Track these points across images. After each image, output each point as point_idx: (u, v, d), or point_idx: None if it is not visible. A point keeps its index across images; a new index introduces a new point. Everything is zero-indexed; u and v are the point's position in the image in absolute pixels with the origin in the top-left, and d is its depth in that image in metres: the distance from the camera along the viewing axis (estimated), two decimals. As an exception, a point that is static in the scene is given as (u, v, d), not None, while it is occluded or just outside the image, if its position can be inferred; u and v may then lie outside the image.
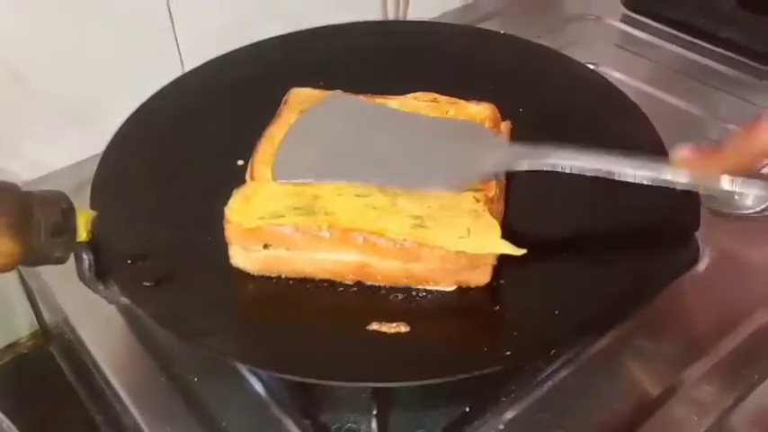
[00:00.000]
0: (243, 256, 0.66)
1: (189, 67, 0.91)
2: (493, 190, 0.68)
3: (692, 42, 1.07)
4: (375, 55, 0.90)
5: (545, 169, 0.63)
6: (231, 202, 0.66)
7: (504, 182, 0.72)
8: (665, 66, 1.06)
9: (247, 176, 0.70)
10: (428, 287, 0.66)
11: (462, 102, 0.78)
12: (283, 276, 0.67)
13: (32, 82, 0.85)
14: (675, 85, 1.01)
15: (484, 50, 0.92)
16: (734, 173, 0.56)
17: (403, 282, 0.65)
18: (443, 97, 0.79)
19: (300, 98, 0.78)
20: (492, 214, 0.66)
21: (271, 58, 0.90)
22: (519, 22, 1.14)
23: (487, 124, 0.74)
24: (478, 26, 1.08)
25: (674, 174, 0.58)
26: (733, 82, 1.01)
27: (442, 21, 1.12)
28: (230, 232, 0.66)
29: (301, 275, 0.67)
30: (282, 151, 0.72)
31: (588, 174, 0.62)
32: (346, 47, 0.92)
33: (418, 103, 0.78)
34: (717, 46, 1.05)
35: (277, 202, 0.66)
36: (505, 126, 0.77)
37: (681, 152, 0.57)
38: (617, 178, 0.61)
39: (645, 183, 0.60)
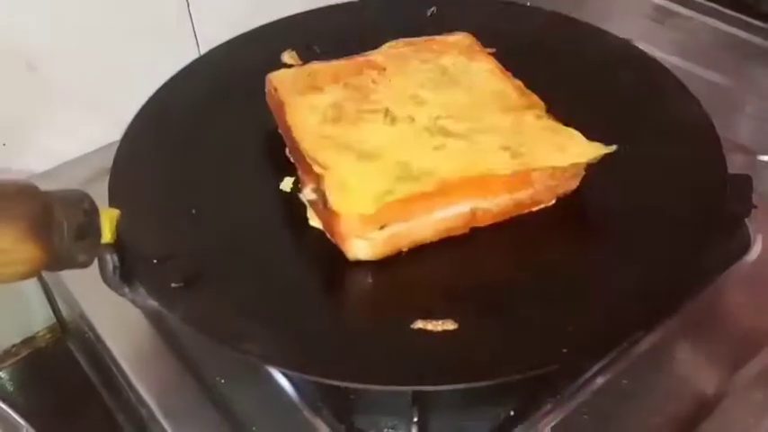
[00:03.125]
0: (363, 246, 0.64)
1: (205, 50, 0.89)
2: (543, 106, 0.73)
3: (730, 15, 1.02)
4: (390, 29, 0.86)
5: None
6: (329, 197, 0.63)
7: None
8: (702, 40, 1.02)
9: (317, 170, 0.66)
10: (532, 209, 0.69)
11: (439, 37, 0.82)
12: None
13: (45, 71, 0.83)
14: (712, 60, 0.97)
15: (515, 25, 0.88)
16: None
17: (510, 213, 0.68)
18: (418, 39, 0.82)
19: (286, 80, 0.76)
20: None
21: (289, 37, 0.87)
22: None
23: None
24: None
25: None
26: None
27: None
28: (347, 226, 0.63)
29: (419, 244, 0.66)
30: None
31: None
32: (362, 20, 0.90)
33: (399, 50, 0.81)
34: (755, 18, 1.01)
35: (376, 180, 0.65)
36: (489, 54, 0.80)
37: None
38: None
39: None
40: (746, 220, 0.73)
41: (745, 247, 0.73)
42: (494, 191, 0.66)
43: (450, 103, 0.73)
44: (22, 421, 0.65)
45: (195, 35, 0.92)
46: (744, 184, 0.68)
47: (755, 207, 0.69)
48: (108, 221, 0.55)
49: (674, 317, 0.67)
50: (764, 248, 0.73)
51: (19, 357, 0.90)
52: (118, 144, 0.73)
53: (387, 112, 0.72)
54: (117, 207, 0.58)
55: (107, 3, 0.84)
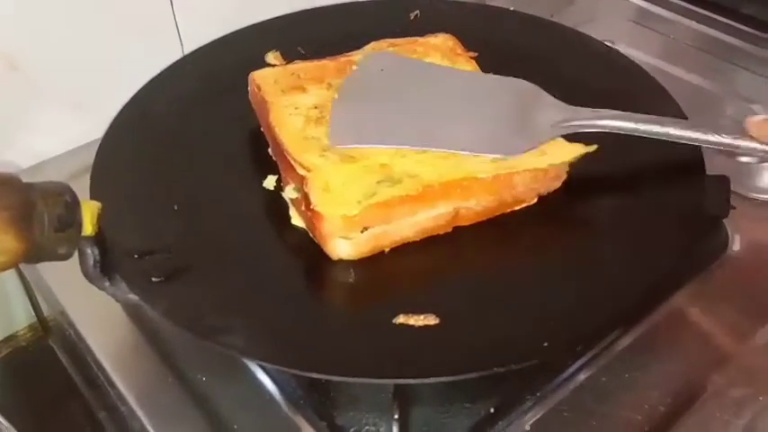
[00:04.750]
0: (345, 246, 0.64)
1: (189, 49, 0.88)
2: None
3: (711, 18, 1.03)
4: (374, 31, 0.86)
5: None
6: (312, 198, 0.63)
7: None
8: (683, 42, 1.03)
9: (301, 171, 0.66)
10: (515, 209, 0.70)
11: (421, 39, 0.82)
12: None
13: (28, 68, 0.82)
14: (693, 62, 0.98)
15: (497, 29, 0.89)
16: None
17: (493, 212, 0.69)
18: (400, 40, 0.82)
19: (269, 80, 0.76)
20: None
21: (270, 39, 0.87)
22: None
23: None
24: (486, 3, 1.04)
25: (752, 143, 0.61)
26: (753, 58, 0.98)
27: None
28: (330, 227, 0.63)
29: (402, 243, 0.67)
30: (336, 116, 0.71)
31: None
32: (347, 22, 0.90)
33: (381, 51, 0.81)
34: (737, 21, 1.02)
35: (358, 182, 0.65)
36: (471, 57, 0.80)
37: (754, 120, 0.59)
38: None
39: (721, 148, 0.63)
40: (725, 220, 0.73)
41: (724, 246, 0.73)
42: (476, 194, 0.67)
43: None
44: (3, 421, 0.65)
45: (179, 34, 0.91)
46: (722, 185, 0.69)
47: (734, 208, 0.70)
48: (89, 214, 0.54)
49: (653, 315, 0.68)
50: (743, 248, 0.73)
51: (0, 356, 0.89)
52: (101, 140, 0.73)
53: None
54: (98, 201, 0.58)
55: (90, 1, 0.83)
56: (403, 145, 0.68)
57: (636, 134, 0.66)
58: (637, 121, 0.66)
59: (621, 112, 0.67)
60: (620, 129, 0.66)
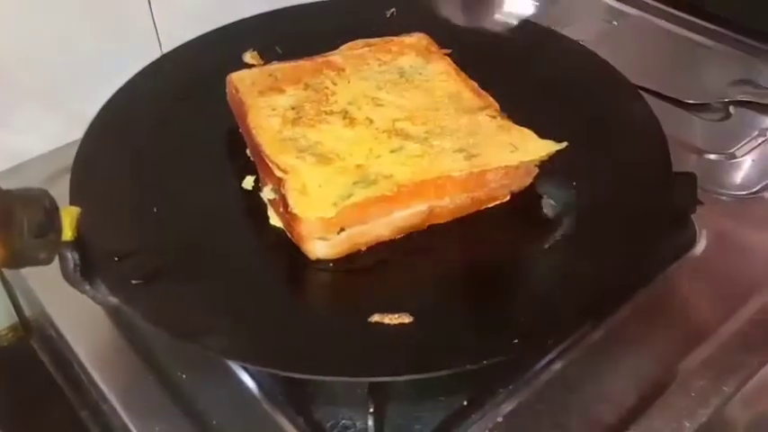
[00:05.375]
0: (323, 246, 0.65)
1: (167, 48, 0.89)
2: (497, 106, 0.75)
3: (680, 17, 1.05)
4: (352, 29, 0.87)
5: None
6: (290, 201, 0.64)
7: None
8: (652, 41, 1.04)
9: (278, 173, 0.67)
10: (488, 206, 0.71)
11: (396, 38, 0.84)
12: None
13: (3, 67, 0.82)
14: (663, 61, 1.00)
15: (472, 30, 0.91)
16: None
17: (467, 209, 0.70)
18: (374, 40, 0.83)
19: (247, 81, 0.77)
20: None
21: (251, 37, 0.88)
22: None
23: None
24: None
25: None
26: (722, 57, 1.00)
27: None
28: (307, 228, 0.64)
29: (378, 242, 0.68)
30: None
31: None
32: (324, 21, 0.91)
33: (358, 51, 0.82)
34: (706, 21, 1.04)
35: (334, 183, 0.66)
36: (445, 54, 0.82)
37: None
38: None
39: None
40: (692, 216, 0.75)
41: (691, 241, 0.75)
42: (450, 192, 0.68)
43: (407, 105, 0.75)
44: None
45: (157, 34, 0.91)
46: (689, 181, 0.70)
47: (701, 203, 0.71)
48: (69, 219, 0.55)
49: (622, 308, 0.69)
50: (709, 243, 0.75)
51: (-20, 357, 0.89)
52: (79, 142, 0.74)
53: (345, 114, 0.73)
54: (78, 205, 0.58)
55: (68, 1, 0.83)
56: None
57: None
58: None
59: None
60: None
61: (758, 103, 0.92)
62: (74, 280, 0.58)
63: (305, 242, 0.65)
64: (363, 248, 0.68)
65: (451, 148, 0.70)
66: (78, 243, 0.57)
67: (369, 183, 0.66)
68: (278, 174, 0.67)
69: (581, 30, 0.99)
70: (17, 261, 0.52)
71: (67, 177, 0.70)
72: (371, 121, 0.73)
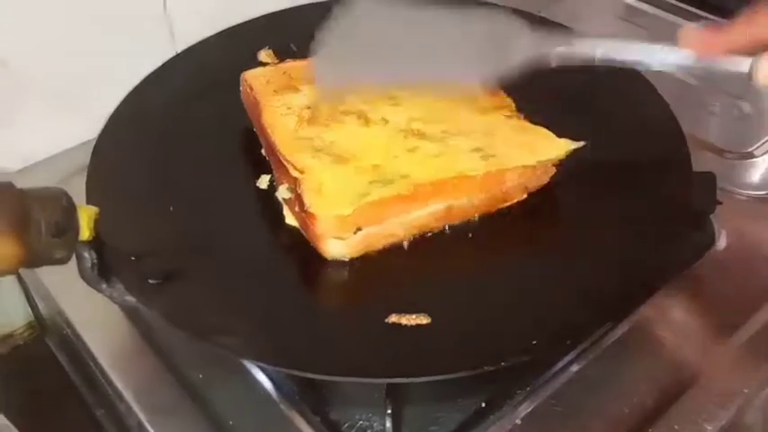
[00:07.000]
0: (339, 246, 0.65)
1: (181, 48, 0.88)
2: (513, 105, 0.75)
3: (698, 14, 1.04)
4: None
5: (574, 62, 0.63)
6: (306, 200, 0.64)
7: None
8: (670, 38, 1.03)
9: (294, 173, 0.67)
10: (504, 205, 0.71)
11: None
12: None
13: (16, 67, 0.82)
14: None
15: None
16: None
17: (483, 208, 0.70)
18: None
19: (261, 79, 0.76)
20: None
21: (266, 35, 0.87)
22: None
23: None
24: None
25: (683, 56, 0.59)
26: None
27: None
28: (324, 227, 0.64)
29: (394, 242, 0.68)
30: (319, 62, 0.69)
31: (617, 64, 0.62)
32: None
33: None
34: (724, 17, 1.02)
35: (351, 182, 0.66)
36: None
37: (686, 30, 0.58)
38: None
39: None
40: (711, 216, 0.74)
41: (711, 242, 0.74)
42: (467, 191, 0.68)
43: (423, 105, 0.74)
44: (2, 419, 0.66)
45: (172, 33, 0.91)
46: (708, 181, 0.70)
47: (720, 203, 0.71)
48: (86, 218, 0.55)
49: (641, 309, 0.69)
50: (729, 243, 0.74)
51: (-3, 355, 0.90)
52: (95, 142, 0.74)
53: (361, 113, 0.73)
54: (95, 204, 0.58)
55: (82, 0, 0.83)
56: (386, 80, 0.68)
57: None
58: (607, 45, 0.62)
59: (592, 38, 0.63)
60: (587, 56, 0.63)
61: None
62: (91, 279, 0.58)
63: (321, 241, 0.65)
64: (379, 248, 0.67)
65: (468, 148, 0.69)
66: (95, 242, 0.57)
67: (386, 182, 0.66)
68: (293, 173, 0.66)
69: (597, 27, 0.99)
70: (34, 260, 0.52)
71: (81, 178, 0.69)
72: (387, 121, 0.72)
